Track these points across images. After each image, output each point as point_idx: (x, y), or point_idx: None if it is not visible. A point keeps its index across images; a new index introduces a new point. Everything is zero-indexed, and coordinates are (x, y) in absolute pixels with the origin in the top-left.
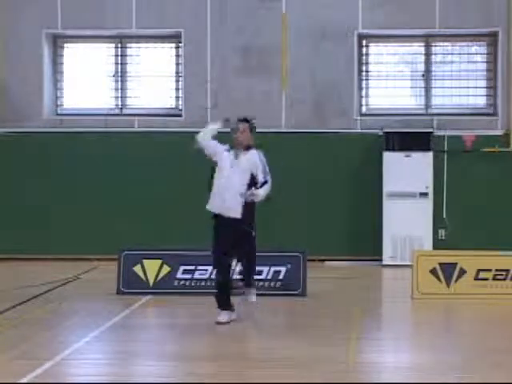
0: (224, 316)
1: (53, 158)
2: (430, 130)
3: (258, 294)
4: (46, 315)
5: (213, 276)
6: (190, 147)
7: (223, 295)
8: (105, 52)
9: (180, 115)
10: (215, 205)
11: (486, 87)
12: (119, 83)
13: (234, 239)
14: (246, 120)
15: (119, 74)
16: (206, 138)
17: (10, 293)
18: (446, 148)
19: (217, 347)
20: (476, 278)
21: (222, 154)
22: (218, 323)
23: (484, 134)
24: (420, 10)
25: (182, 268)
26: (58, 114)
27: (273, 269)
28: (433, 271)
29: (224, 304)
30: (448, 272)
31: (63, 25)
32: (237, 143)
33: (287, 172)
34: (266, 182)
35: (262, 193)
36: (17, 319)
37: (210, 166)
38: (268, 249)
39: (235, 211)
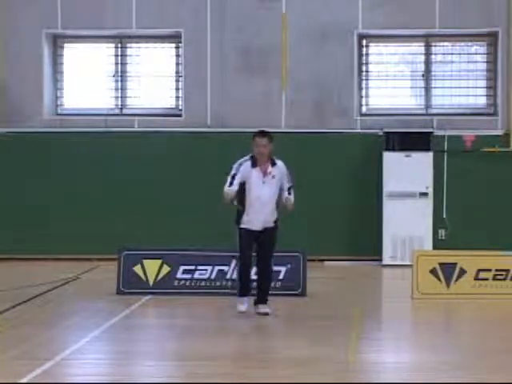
0: (245, 304)
1: (53, 158)
2: (430, 130)
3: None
4: (45, 315)
5: (212, 276)
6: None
7: (246, 282)
8: (105, 52)
9: (180, 115)
10: (256, 224)
11: (486, 87)
12: (119, 83)
13: (261, 239)
14: (264, 133)
15: (119, 74)
16: (229, 191)
17: (10, 293)
18: (446, 148)
19: (217, 347)
20: (476, 278)
21: (249, 176)
22: (241, 312)
23: (484, 133)
24: (420, 10)
25: (182, 268)
26: (58, 114)
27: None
28: (433, 271)
29: (246, 292)
30: (448, 272)
31: (63, 25)
32: (261, 155)
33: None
34: (291, 187)
35: (293, 199)
36: (17, 319)
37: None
38: None
39: (273, 221)
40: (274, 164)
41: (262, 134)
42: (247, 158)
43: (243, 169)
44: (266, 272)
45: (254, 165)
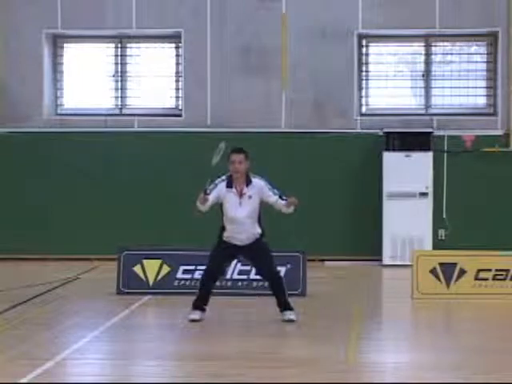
0: (197, 314)
1: (53, 158)
2: (430, 130)
3: (257, 294)
4: (45, 315)
5: None
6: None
7: (203, 298)
8: (105, 52)
9: (180, 115)
10: (237, 240)
11: (486, 87)
12: (119, 83)
13: (251, 255)
14: (240, 150)
15: (119, 74)
16: (202, 203)
17: (9, 293)
18: (446, 148)
19: (217, 347)
20: (476, 278)
21: (225, 197)
22: (193, 320)
23: (484, 133)
24: (420, 10)
25: (182, 268)
26: (57, 114)
27: None
28: (433, 271)
29: (201, 305)
30: (448, 272)
31: (63, 25)
32: (236, 173)
33: (287, 172)
34: (281, 196)
35: (292, 199)
36: (17, 319)
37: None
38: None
39: (256, 234)
40: (249, 183)
41: (238, 150)
42: (223, 177)
43: (219, 189)
44: (274, 281)
45: (229, 185)
